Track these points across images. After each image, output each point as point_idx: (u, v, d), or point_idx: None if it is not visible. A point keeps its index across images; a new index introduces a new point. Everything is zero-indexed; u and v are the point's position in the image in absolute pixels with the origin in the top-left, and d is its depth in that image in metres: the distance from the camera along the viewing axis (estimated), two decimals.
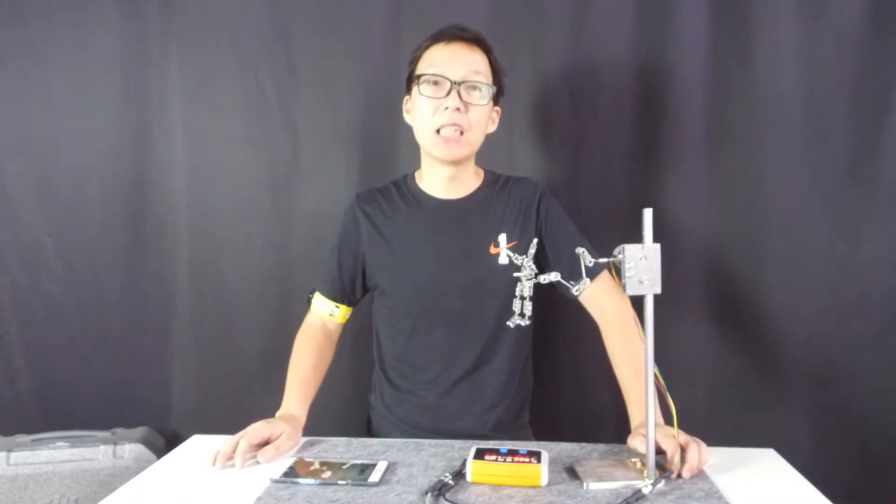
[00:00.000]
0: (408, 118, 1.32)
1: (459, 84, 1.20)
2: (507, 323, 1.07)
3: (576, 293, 1.02)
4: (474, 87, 1.22)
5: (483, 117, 1.25)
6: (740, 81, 1.49)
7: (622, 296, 1.23)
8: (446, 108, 1.20)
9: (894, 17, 1.43)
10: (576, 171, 1.56)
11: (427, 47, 1.25)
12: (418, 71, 1.25)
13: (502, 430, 1.30)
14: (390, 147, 1.57)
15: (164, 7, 1.59)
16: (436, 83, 1.22)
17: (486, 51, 1.26)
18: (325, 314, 1.37)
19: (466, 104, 1.21)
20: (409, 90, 1.30)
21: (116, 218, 1.65)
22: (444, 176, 1.29)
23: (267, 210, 1.64)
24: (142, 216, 1.65)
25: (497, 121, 1.32)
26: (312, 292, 1.39)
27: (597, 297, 1.27)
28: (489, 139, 1.51)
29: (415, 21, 1.45)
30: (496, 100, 1.29)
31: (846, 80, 1.47)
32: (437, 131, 1.22)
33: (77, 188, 1.64)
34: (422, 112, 1.23)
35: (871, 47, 1.45)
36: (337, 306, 1.37)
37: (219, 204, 1.64)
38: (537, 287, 1.29)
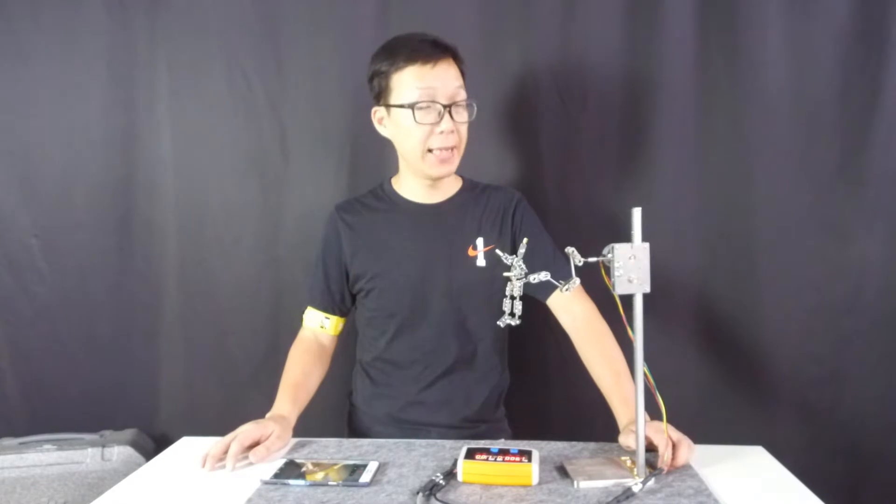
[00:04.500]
0: (383, 130, 1.31)
1: (449, 107, 1.21)
2: (498, 322, 1.07)
3: (565, 291, 1.03)
4: (460, 106, 1.23)
5: (467, 131, 1.27)
6: (729, 81, 1.50)
7: (589, 300, 1.28)
8: (441, 131, 1.21)
9: (881, 17, 1.44)
10: (565, 171, 1.56)
11: (405, 66, 1.21)
12: (404, 95, 1.21)
13: (480, 423, 1.33)
14: (379, 146, 1.56)
15: (152, 6, 1.57)
16: (427, 107, 1.21)
17: (461, 62, 1.27)
18: (317, 326, 1.38)
19: (456, 124, 1.23)
20: (378, 102, 1.28)
21: (103, 218, 1.64)
22: (426, 184, 1.32)
23: (256, 210, 1.63)
24: (129, 216, 1.64)
25: None
26: (304, 309, 1.40)
27: (566, 302, 1.29)
28: (480, 140, 1.52)
29: (404, 20, 1.45)
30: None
31: (834, 80, 1.48)
32: (430, 151, 1.23)
33: (63, 189, 1.63)
34: (412, 134, 1.23)
35: (859, 47, 1.46)
36: (327, 317, 1.38)
37: (207, 204, 1.63)
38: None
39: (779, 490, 0.97)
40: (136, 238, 1.65)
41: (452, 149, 1.24)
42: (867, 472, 1.55)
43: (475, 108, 1.26)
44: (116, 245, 1.65)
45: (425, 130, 1.21)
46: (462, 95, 1.24)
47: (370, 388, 1.37)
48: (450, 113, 1.21)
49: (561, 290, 0.99)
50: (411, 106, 1.20)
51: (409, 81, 1.21)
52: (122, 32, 1.59)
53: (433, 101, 1.20)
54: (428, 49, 1.21)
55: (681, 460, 1.00)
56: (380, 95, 1.27)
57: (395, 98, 1.23)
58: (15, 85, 1.61)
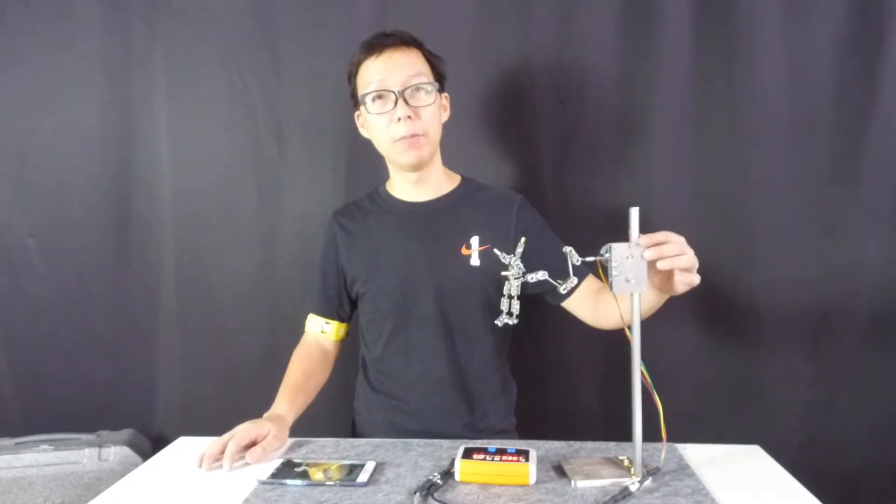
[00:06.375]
0: (364, 132, 1.33)
1: (403, 92, 1.20)
2: (496, 322, 1.07)
3: (563, 291, 1.02)
4: (418, 90, 1.23)
5: (435, 115, 1.26)
6: (725, 81, 1.50)
7: (603, 286, 1.24)
8: (398, 118, 1.20)
9: (877, 18, 1.45)
10: (562, 170, 1.56)
11: (360, 62, 1.24)
12: (360, 90, 1.25)
13: (487, 433, 1.30)
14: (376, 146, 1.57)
15: (149, 6, 1.57)
16: (380, 97, 1.22)
17: (419, 47, 1.27)
18: (318, 331, 1.39)
19: (415, 108, 1.21)
20: (356, 106, 1.30)
21: (100, 219, 1.63)
22: (411, 180, 1.31)
23: (252, 210, 1.63)
24: (126, 217, 1.64)
25: (448, 107, 1.33)
26: (306, 315, 1.40)
27: (585, 297, 1.26)
28: (477, 140, 1.52)
29: (401, 21, 1.45)
30: (441, 87, 1.30)
31: (830, 81, 1.48)
32: (396, 140, 1.22)
33: (60, 189, 1.63)
34: (376, 127, 1.25)
35: (855, 49, 1.46)
36: (328, 322, 1.38)
37: (204, 204, 1.63)
38: (523, 288, 1.30)
39: (776, 489, 0.97)
40: (133, 238, 1.65)
41: (416, 135, 1.22)
42: (863, 471, 1.56)
43: (434, 90, 1.24)
44: (113, 245, 1.65)
45: (385, 119, 1.22)
46: (419, 80, 1.22)
47: (371, 394, 1.36)
48: (405, 100, 1.21)
49: (560, 290, 0.99)
50: (363, 97, 1.23)
51: (363, 76, 1.24)
52: (119, 32, 1.58)
53: (385, 90, 1.21)
54: (376, 41, 1.23)
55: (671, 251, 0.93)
56: (354, 97, 1.30)
57: (359, 96, 1.26)
58: (11, 85, 1.61)
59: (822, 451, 1.55)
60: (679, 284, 0.95)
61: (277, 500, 0.93)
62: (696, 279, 0.96)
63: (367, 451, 1.11)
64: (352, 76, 1.29)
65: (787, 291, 1.53)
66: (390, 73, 1.21)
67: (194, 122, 1.61)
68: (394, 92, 1.20)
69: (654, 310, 1.10)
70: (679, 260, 0.93)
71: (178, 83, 1.60)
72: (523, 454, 0.99)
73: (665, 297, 1.06)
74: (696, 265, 0.95)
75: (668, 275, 0.95)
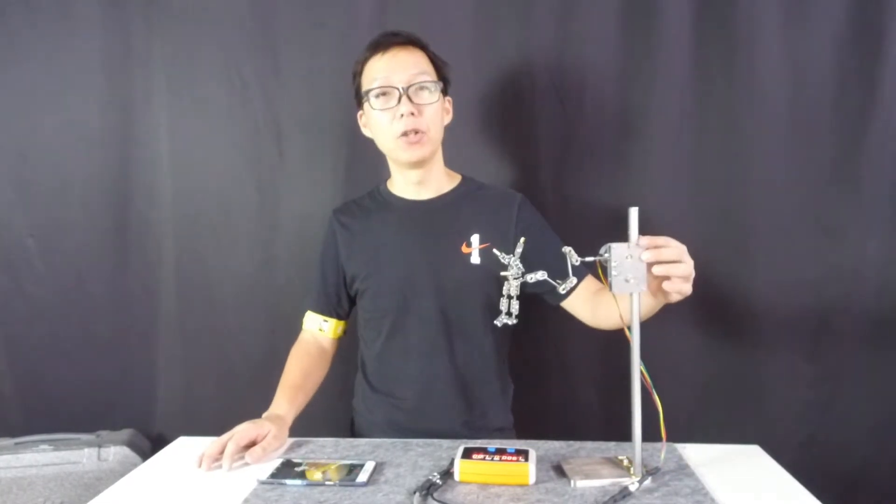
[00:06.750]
0: (366, 132, 1.33)
1: (407, 89, 1.21)
2: (495, 322, 1.07)
3: (562, 291, 1.02)
4: (422, 88, 1.23)
5: (437, 114, 1.27)
6: (725, 81, 1.50)
7: (602, 286, 1.24)
8: (401, 114, 1.21)
9: (877, 19, 1.45)
10: (562, 170, 1.56)
11: (366, 60, 1.26)
12: (365, 86, 1.26)
13: (485, 431, 1.31)
14: (375, 146, 1.57)
15: (149, 6, 1.57)
16: (384, 94, 1.23)
17: (424, 48, 1.27)
18: (315, 329, 1.39)
19: (419, 106, 1.22)
20: (360, 105, 1.31)
21: (100, 219, 1.64)
22: (413, 179, 1.31)
23: (252, 210, 1.63)
24: (126, 217, 1.64)
25: (451, 111, 1.34)
26: (304, 313, 1.40)
27: (584, 297, 1.27)
28: (477, 140, 1.51)
29: (401, 21, 1.45)
30: (445, 90, 1.30)
31: (830, 81, 1.48)
32: (399, 137, 1.23)
33: (60, 189, 1.63)
34: (379, 124, 1.25)
35: (854, 48, 1.46)
36: (325, 320, 1.38)
37: (203, 204, 1.63)
38: (522, 288, 1.30)
39: (775, 489, 0.97)
40: (133, 238, 1.65)
41: (418, 132, 1.23)
42: (863, 471, 1.56)
43: (437, 89, 1.25)
44: (113, 245, 1.65)
45: (388, 116, 1.23)
46: (423, 78, 1.23)
47: (370, 393, 1.36)
48: (409, 97, 1.21)
49: (560, 290, 0.99)
50: (367, 93, 1.24)
51: (368, 73, 1.25)
52: (119, 32, 1.58)
53: (389, 86, 1.22)
54: (383, 39, 1.25)
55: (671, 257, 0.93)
56: (357, 96, 1.30)
57: (362, 92, 1.27)
58: (11, 85, 1.61)
59: (822, 451, 1.55)
60: (672, 292, 0.95)
61: (277, 500, 0.93)
62: (688, 289, 0.95)
63: (366, 450, 1.11)
64: (356, 75, 1.29)
65: (787, 291, 1.53)
66: (395, 70, 1.22)
67: (194, 122, 1.61)
68: (398, 88, 1.21)
69: (650, 314, 1.09)
70: (676, 267, 0.93)
71: (178, 83, 1.60)
72: (523, 454, 0.99)
73: (661, 304, 1.05)
74: (693, 275, 0.95)
75: (664, 280, 0.94)
